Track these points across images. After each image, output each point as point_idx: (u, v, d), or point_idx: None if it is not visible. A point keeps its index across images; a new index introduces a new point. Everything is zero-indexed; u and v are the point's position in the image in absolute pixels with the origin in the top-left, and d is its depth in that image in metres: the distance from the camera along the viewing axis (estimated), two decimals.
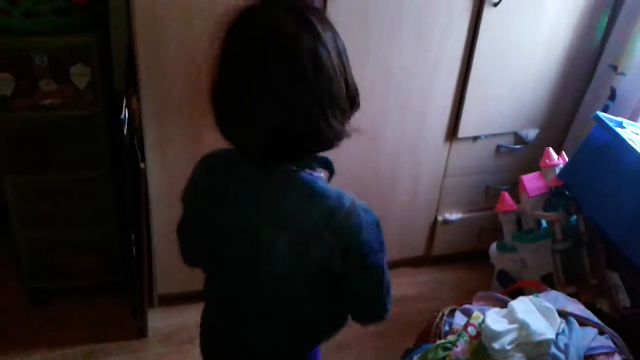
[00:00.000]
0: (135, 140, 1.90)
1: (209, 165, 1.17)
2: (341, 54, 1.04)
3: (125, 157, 1.88)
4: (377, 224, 1.10)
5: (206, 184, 1.15)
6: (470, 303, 1.87)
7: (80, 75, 1.92)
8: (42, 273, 2.28)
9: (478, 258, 2.47)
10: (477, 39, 2.11)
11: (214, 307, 1.30)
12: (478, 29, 2.09)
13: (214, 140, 1.34)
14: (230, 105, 1.03)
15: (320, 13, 1.05)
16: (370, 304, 1.18)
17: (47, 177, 2.11)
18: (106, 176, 2.10)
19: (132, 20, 1.76)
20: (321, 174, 1.13)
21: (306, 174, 1.09)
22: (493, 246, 2.31)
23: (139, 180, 1.90)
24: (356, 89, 1.09)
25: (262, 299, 1.17)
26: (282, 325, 1.21)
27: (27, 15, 1.81)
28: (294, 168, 1.08)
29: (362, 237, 1.07)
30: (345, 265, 1.08)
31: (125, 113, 1.83)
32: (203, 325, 1.37)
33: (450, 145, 2.33)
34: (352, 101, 1.08)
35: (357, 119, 2.20)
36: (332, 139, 1.05)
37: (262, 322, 1.21)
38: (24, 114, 1.96)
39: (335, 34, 1.04)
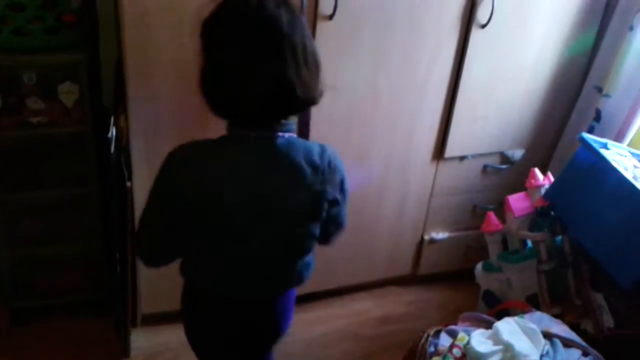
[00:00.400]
0: (123, 158, 1.89)
1: (186, 161, 1.25)
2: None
3: (112, 175, 1.88)
4: None
5: (196, 175, 1.24)
6: (455, 324, 1.87)
7: (68, 93, 1.92)
8: (26, 291, 2.25)
9: (464, 277, 2.47)
10: (464, 60, 2.13)
11: (219, 275, 1.38)
12: (466, 50, 2.12)
13: None
14: (232, 75, 1.20)
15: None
16: (342, 222, 1.47)
17: (33, 194, 2.10)
18: (93, 194, 2.10)
19: (121, 38, 1.77)
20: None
21: (291, 135, 1.30)
22: (479, 266, 2.32)
23: (125, 199, 1.89)
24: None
25: (271, 249, 1.34)
26: (282, 269, 1.40)
27: (16, 33, 1.81)
28: (281, 134, 1.27)
29: (343, 168, 1.37)
30: (340, 194, 1.36)
31: (112, 131, 1.82)
32: (198, 306, 1.46)
33: (437, 165, 2.35)
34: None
35: (345, 137, 2.22)
36: (314, 94, 1.26)
37: (267, 269, 1.38)
38: (11, 132, 1.95)
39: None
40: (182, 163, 1.26)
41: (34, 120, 1.95)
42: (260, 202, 1.28)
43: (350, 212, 2.29)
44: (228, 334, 1.49)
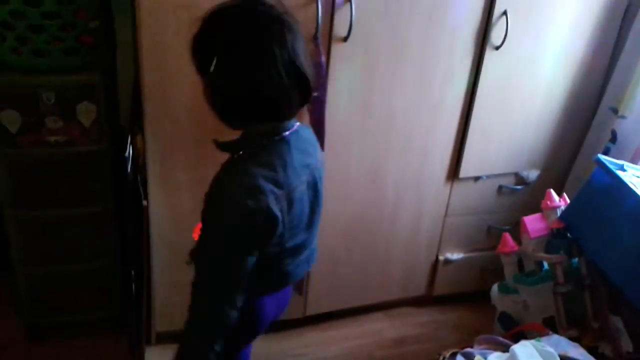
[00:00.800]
0: (139, 178, 1.91)
1: (266, 186, 1.24)
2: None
3: (129, 194, 1.89)
4: None
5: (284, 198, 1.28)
6: (471, 346, 1.85)
7: (86, 112, 1.95)
8: (42, 308, 2.26)
9: (480, 298, 2.45)
10: (479, 81, 2.13)
11: (298, 265, 1.45)
12: (480, 71, 2.12)
13: None
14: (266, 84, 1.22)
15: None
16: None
17: (50, 212, 2.11)
18: (109, 212, 2.11)
19: (138, 58, 1.79)
20: None
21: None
22: (494, 288, 2.30)
23: (141, 218, 1.90)
24: None
25: (319, 218, 1.46)
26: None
27: (36, 54, 1.84)
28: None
29: None
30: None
31: (129, 150, 1.84)
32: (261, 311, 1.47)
33: (452, 185, 2.34)
34: None
35: (360, 157, 2.23)
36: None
37: (315, 239, 1.49)
38: (30, 150, 1.98)
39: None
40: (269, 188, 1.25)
41: (52, 139, 1.97)
42: (313, 188, 1.39)
43: (364, 232, 2.32)
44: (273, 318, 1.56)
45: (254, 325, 1.48)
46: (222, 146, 1.31)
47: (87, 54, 1.91)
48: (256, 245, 1.26)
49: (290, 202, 1.28)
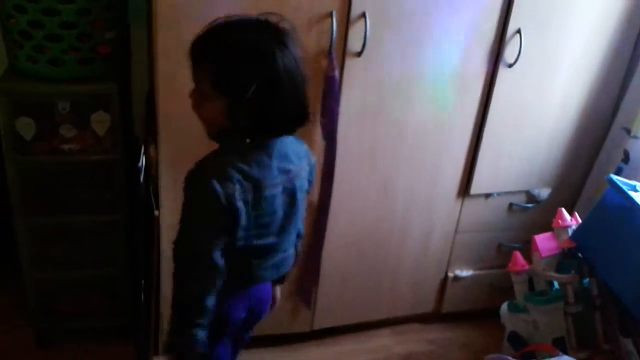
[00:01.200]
0: (151, 188, 1.92)
1: (234, 175, 1.32)
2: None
3: (141, 204, 1.90)
4: None
5: (249, 187, 1.34)
6: None
7: (100, 122, 1.96)
8: (50, 314, 2.28)
9: (488, 317, 2.43)
10: (491, 98, 2.13)
11: (266, 268, 1.49)
12: (492, 89, 2.12)
13: None
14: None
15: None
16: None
17: (62, 219, 2.13)
18: (119, 221, 2.12)
19: (154, 68, 1.80)
20: None
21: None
22: (504, 307, 2.27)
23: (151, 227, 1.91)
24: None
25: (293, 226, 1.50)
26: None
27: (52, 63, 1.86)
28: None
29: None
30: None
31: (142, 160, 1.85)
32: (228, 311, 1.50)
33: (463, 202, 2.33)
34: None
35: (370, 172, 2.23)
36: None
37: (289, 247, 1.54)
38: (44, 157, 2.00)
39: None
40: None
41: (66, 147, 1.99)
42: (289, 194, 1.43)
43: (373, 246, 2.32)
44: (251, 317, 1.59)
45: (221, 323, 1.50)
46: (213, 138, 1.40)
47: (102, 64, 1.93)
48: (223, 229, 1.33)
49: (258, 197, 1.35)
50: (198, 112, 1.37)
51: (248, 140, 1.36)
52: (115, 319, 2.31)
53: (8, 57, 1.95)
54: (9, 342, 2.28)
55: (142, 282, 2.00)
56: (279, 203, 1.41)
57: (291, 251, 1.56)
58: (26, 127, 1.93)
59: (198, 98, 1.35)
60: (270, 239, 1.44)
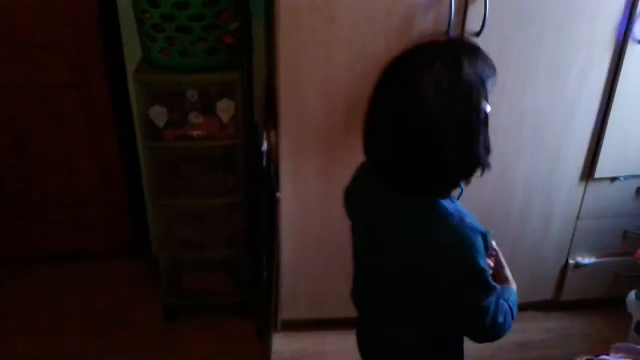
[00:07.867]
0: (272, 170, 2.00)
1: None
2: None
3: (263, 186, 1.98)
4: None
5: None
6: (607, 353, 1.77)
7: (225, 109, 2.07)
8: (177, 291, 2.44)
9: (611, 306, 2.33)
10: (619, 75, 2.02)
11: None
12: (621, 65, 2.01)
13: (345, 177, 1.40)
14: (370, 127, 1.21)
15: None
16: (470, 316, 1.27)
17: (188, 201, 2.27)
18: (242, 203, 2.23)
19: (275, 57, 1.87)
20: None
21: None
22: (631, 294, 2.16)
23: (272, 209, 1.99)
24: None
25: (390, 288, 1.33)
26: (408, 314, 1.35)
27: (182, 54, 1.98)
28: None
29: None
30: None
31: (265, 145, 1.93)
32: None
33: (586, 186, 2.23)
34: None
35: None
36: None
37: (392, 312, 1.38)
38: (174, 143, 2.13)
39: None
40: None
41: (194, 133, 2.11)
42: None
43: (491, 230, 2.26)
44: None
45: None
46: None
47: (227, 53, 2.03)
48: None
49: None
50: None
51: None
52: (236, 297, 2.43)
53: (142, 50, 2.09)
54: (141, 317, 2.47)
55: (264, 260, 2.09)
56: None
57: None
58: (159, 115, 2.07)
59: None
60: None
